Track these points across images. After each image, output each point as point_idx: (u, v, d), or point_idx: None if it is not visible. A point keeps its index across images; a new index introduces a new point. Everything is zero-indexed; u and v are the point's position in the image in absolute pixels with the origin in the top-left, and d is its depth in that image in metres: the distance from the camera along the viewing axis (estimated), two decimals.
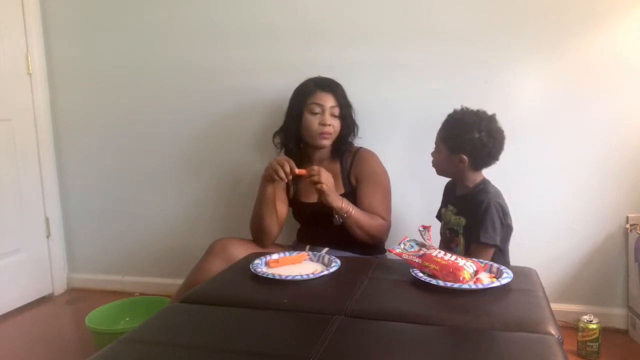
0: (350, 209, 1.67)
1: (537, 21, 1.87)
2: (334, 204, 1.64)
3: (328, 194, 1.61)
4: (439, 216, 1.79)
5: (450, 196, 1.74)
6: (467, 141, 1.56)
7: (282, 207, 1.86)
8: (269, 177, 1.67)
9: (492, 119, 1.59)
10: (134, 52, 2.33)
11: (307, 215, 1.91)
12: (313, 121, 1.77)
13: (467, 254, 1.56)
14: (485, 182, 1.63)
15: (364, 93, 1.97)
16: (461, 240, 1.62)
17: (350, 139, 1.89)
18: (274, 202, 1.77)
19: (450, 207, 1.69)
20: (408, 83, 2.00)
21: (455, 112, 1.63)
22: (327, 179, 1.62)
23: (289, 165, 1.63)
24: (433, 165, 1.68)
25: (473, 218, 1.56)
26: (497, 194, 1.59)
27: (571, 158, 1.91)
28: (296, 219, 1.96)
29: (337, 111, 1.79)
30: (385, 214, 1.78)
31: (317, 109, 1.77)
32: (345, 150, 1.85)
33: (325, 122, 1.76)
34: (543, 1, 1.86)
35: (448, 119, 1.64)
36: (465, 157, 1.58)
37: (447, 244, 1.67)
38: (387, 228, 1.78)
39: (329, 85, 1.81)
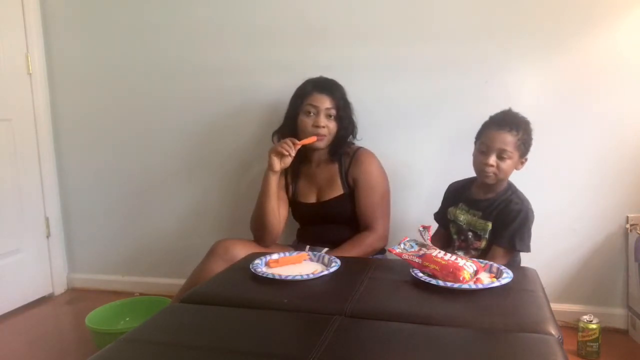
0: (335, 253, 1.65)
1: (537, 21, 1.86)
2: None
3: None
4: (441, 217, 1.75)
5: (461, 197, 1.67)
6: (530, 143, 1.55)
7: (283, 207, 1.86)
8: (278, 153, 1.69)
9: None
10: (134, 52, 2.33)
11: (306, 216, 1.91)
12: (307, 122, 1.77)
13: (485, 254, 1.56)
14: (513, 186, 1.59)
15: (363, 93, 1.97)
16: (483, 244, 1.57)
17: (349, 140, 1.88)
18: (277, 196, 1.78)
19: (464, 207, 1.63)
20: (408, 83, 2.00)
21: (512, 113, 1.55)
22: None
23: (290, 140, 1.70)
24: (492, 174, 1.51)
25: (504, 223, 1.52)
26: (528, 200, 1.56)
27: (571, 158, 1.91)
28: (296, 219, 1.96)
29: (333, 112, 1.78)
30: (380, 219, 1.78)
31: (312, 110, 1.77)
32: (343, 151, 1.84)
33: (318, 124, 1.75)
34: (543, 1, 1.86)
35: (516, 121, 1.52)
36: (526, 159, 1.56)
37: (466, 246, 1.62)
38: (380, 238, 1.77)
39: (327, 87, 1.80)
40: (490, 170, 1.50)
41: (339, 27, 2.04)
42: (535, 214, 1.90)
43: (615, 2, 1.80)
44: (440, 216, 1.77)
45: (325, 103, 1.77)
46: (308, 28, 2.08)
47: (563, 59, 1.86)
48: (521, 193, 1.59)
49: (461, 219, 1.64)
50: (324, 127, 1.76)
